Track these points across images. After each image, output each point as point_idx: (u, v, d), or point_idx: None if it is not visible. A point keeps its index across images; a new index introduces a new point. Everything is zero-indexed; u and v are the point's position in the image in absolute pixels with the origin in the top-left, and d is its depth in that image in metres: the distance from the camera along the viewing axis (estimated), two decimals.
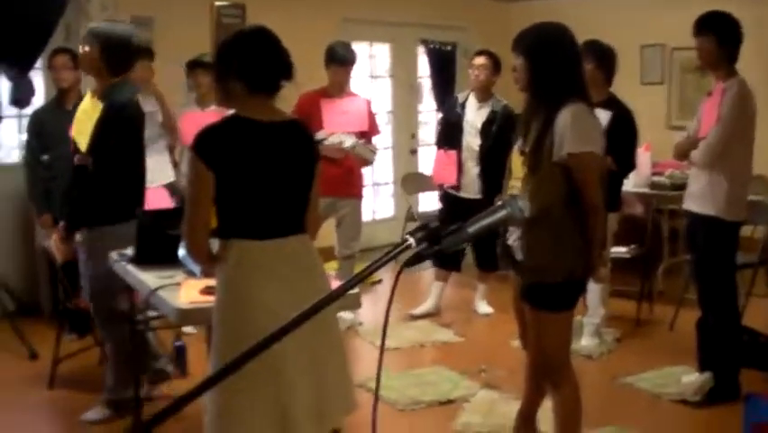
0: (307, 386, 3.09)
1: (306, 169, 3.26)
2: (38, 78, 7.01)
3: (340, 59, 6.43)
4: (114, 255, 4.35)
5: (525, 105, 3.89)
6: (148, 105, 6.35)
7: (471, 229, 1.89)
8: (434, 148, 7.11)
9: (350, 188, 6.53)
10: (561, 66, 3.72)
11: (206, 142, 3.06)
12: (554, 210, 3.62)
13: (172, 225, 3.92)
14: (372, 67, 9.83)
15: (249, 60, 3.10)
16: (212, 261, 3.18)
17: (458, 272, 7.02)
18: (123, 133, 4.67)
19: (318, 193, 3.38)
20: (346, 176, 6.44)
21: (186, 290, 3.58)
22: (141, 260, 4.09)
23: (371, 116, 6.60)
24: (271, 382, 3.01)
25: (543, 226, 3.63)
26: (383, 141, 9.80)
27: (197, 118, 6.46)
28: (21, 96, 6.58)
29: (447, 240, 1.86)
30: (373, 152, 6.59)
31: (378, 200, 9.94)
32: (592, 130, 3.70)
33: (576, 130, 3.60)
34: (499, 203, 1.99)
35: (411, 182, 8.98)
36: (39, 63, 6.84)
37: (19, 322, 6.10)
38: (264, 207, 3.15)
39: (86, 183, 4.61)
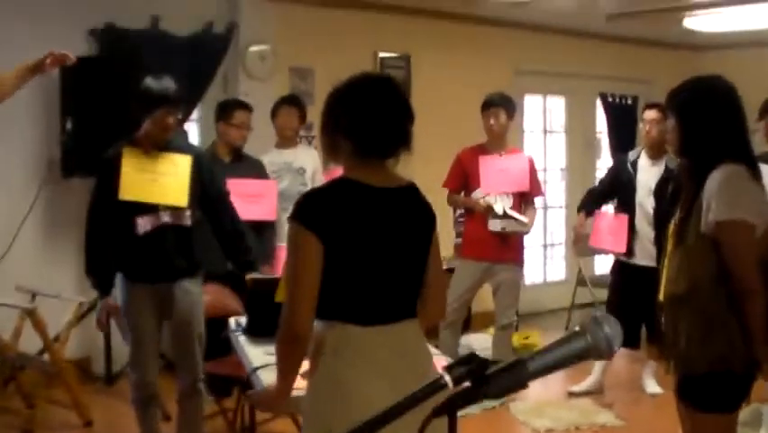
0: None
1: (423, 243, 2.77)
2: (192, 128, 6.89)
3: (485, 104, 6.00)
4: (232, 324, 4.08)
5: (679, 169, 3.33)
6: (307, 159, 6.15)
7: (534, 367, 1.40)
8: (609, 209, 6.48)
9: (507, 252, 6.01)
10: (713, 124, 3.16)
11: (312, 209, 2.61)
12: (702, 290, 3.04)
13: None
14: (547, 121, 9.32)
15: (360, 120, 2.65)
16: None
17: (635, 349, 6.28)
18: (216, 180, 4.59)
19: (439, 270, 2.87)
20: (503, 239, 5.94)
21: None
22: (253, 331, 3.74)
23: (533, 175, 6.08)
24: None
25: (690, 308, 3.07)
26: (556, 199, 9.29)
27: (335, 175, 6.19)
28: None
29: (498, 381, 1.36)
30: (524, 223, 6.01)
31: (549, 262, 9.37)
32: (745, 194, 3.09)
33: (725, 194, 3.03)
34: (577, 328, 1.48)
35: (583, 244, 8.35)
36: (194, 114, 6.75)
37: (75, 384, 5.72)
38: (373, 287, 2.65)
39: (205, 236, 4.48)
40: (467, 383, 1.38)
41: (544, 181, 9.16)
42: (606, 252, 6.30)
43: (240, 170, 5.56)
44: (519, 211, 5.98)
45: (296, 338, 2.61)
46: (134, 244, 4.29)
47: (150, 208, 4.29)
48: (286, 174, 5.96)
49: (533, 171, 6.06)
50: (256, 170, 5.74)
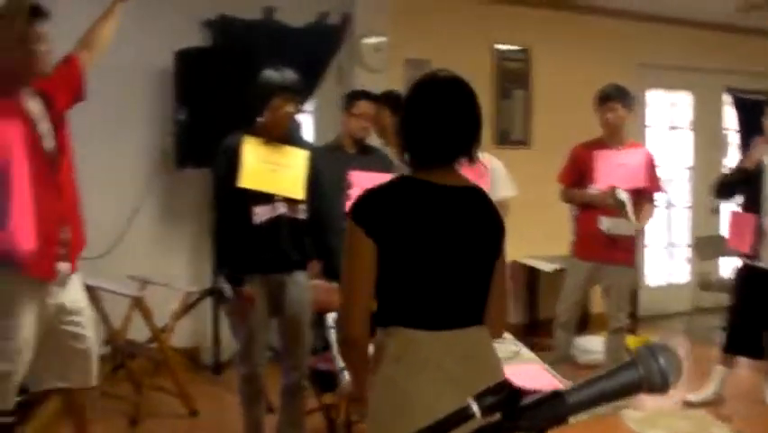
0: None
1: (491, 248, 2.60)
2: (306, 120, 6.84)
3: (601, 98, 5.75)
4: (329, 320, 4.08)
5: None
6: None
7: (574, 400, 1.23)
8: (736, 208, 6.14)
9: (617, 252, 5.74)
10: None
11: (368, 206, 2.48)
12: None
13: None
14: (672, 117, 8.96)
15: (414, 131, 2.52)
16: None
17: (758, 359, 5.95)
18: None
19: (504, 278, 2.67)
20: (614, 239, 5.68)
21: None
22: None
23: (651, 170, 5.77)
24: None
25: None
26: (681, 199, 8.95)
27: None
28: None
29: (533, 414, 1.20)
30: (633, 226, 5.64)
31: (672, 264, 9.02)
32: None
33: None
34: (629, 359, 1.31)
35: (707, 246, 8.02)
36: (308, 106, 6.71)
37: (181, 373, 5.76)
38: (437, 289, 2.49)
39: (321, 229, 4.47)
40: (498, 415, 1.22)
41: (668, 180, 8.85)
42: (731, 252, 5.96)
43: (364, 163, 5.41)
44: (637, 208, 5.71)
45: (351, 342, 2.52)
46: (250, 233, 4.27)
47: (267, 199, 4.27)
48: (397, 171, 5.82)
49: (651, 167, 5.76)
50: (382, 162, 5.54)
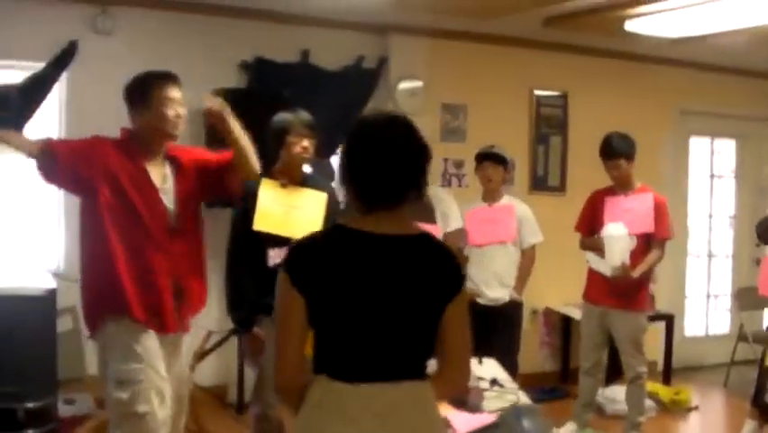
0: None
1: (432, 298, 2.44)
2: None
3: (605, 153, 5.72)
4: None
5: None
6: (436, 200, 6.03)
7: None
8: None
9: (621, 298, 5.66)
10: None
11: (296, 257, 2.44)
12: None
13: None
14: (714, 165, 8.84)
15: (355, 168, 2.43)
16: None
17: None
18: None
19: (460, 333, 2.50)
20: (616, 284, 5.63)
21: None
22: None
23: (660, 215, 5.69)
24: None
25: None
26: (722, 248, 8.81)
27: (481, 215, 6.04)
28: None
29: None
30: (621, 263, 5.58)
31: (711, 314, 8.86)
32: None
33: None
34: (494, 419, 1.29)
35: (748, 296, 7.84)
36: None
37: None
38: (360, 341, 2.41)
39: None
40: None
41: (709, 228, 8.74)
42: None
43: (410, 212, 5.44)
44: (644, 253, 5.67)
45: (279, 389, 2.51)
46: (263, 276, 4.25)
47: (283, 242, 4.24)
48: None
49: (659, 211, 5.68)
50: (428, 212, 5.59)
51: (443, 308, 2.45)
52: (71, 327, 6.11)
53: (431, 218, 5.58)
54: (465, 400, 3.41)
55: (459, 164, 7.19)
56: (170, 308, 3.66)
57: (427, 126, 6.74)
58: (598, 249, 5.71)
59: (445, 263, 2.49)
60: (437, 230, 5.32)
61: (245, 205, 4.30)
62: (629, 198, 5.70)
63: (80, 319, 6.10)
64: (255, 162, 3.85)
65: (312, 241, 2.49)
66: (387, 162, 2.40)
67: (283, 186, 4.36)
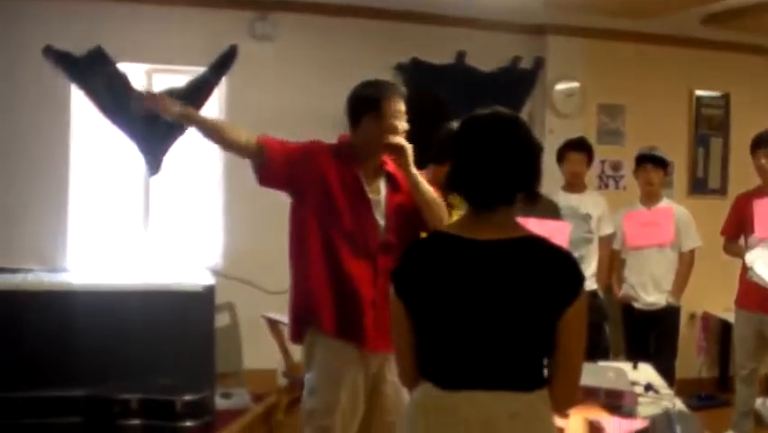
0: None
1: (541, 302, 2.31)
2: None
3: (755, 143, 5.57)
4: None
5: None
6: (594, 205, 5.97)
7: None
8: None
9: None
10: None
11: (400, 268, 2.47)
12: None
13: None
14: None
15: (463, 171, 2.39)
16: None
17: None
18: None
19: (570, 350, 2.37)
20: None
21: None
22: None
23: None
24: None
25: None
26: None
27: (640, 217, 5.95)
28: None
29: None
30: None
31: None
32: None
33: None
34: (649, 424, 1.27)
35: None
36: None
37: None
38: (461, 349, 2.37)
39: None
40: None
41: None
42: None
43: (532, 210, 5.41)
44: None
45: (399, 373, 2.60)
46: None
47: None
48: (571, 220, 5.58)
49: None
50: (549, 210, 5.53)
51: (555, 316, 2.31)
52: (229, 323, 6.34)
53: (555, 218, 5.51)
54: (620, 405, 3.39)
55: (616, 166, 7.10)
56: (369, 322, 3.54)
57: (584, 128, 6.74)
58: (740, 257, 5.55)
59: (558, 268, 2.34)
60: (564, 229, 5.28)
61: None
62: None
63: (238, 315, 6.38)
64: (440, 215, 3.62)
65: (413, 250, 2.50)
66: (491, 161, 2.34)
67: None
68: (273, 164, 3.54)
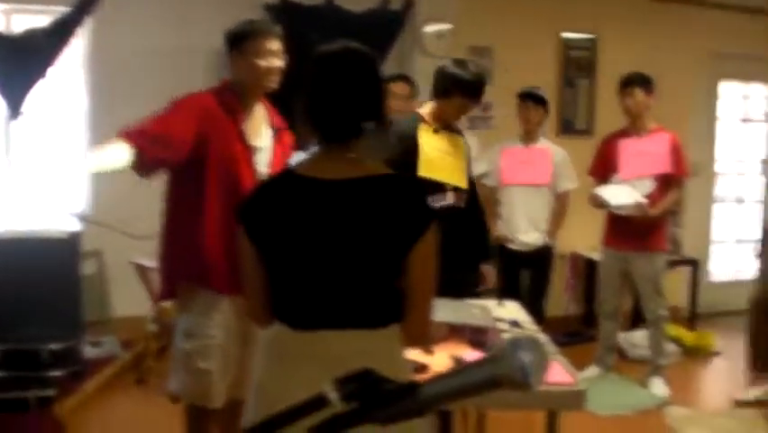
0: None
1: (388, 242, 2.31)
2: None
3: (622, 83, 5.75)
4: None
5: None
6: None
7: (428, 393, 1.23)
8: None
9: (641, 240, 5.72)
10: None
11: (246, 205, 2.44)
12: None
13: None
14: (746, 109, 8.73)
15: (312, 104, 2.36)
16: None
17: None
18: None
19: (419, 281, 2.36)
20: (637, 227, 5.66)
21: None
22: None
23: (676, 155, 5.68)
24: None
25: None
26: (752, 193, 8.73)
27: (518, 155, 6.04)
28: None
29: (390, 405, 1.21)
30: (640, 207, 5.59)
31: (740, 259, 8.82)
32: None
33: None
34: (494, 351, 1.30)
35: None
36: None
37: None
38: (312, 289, 2.36)
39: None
40: (354, 403, 1.23)
41: (739, 173, 8.66)
42: None
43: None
44: (662, 194, 5.67)
45: (248, 312, 2.59)
46: None
47: (437, 188, 4.23)
48: None
49: (675, 151, 5.67)
50: None
51: (405, 252, 2.31)
52: (96, 270, 6.21)
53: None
54: (484, 341, 3.45)
55: (486, 107, 7.15)
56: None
57: None
58: (600, 205, 5.77)
59: (407, 203, 2.35)
60: None
61: (402, 151, 4.14)
62: (644, 140, 5.69)
63: (106, 262, 6.25)
64: None
65: (262, 190, 2.46)
66: (342, 93, 2.34)
67: (435, 132, 4.29)
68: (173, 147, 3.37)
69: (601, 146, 5.95)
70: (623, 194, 5.62)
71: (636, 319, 7.00)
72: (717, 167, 8.57)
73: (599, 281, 6.12)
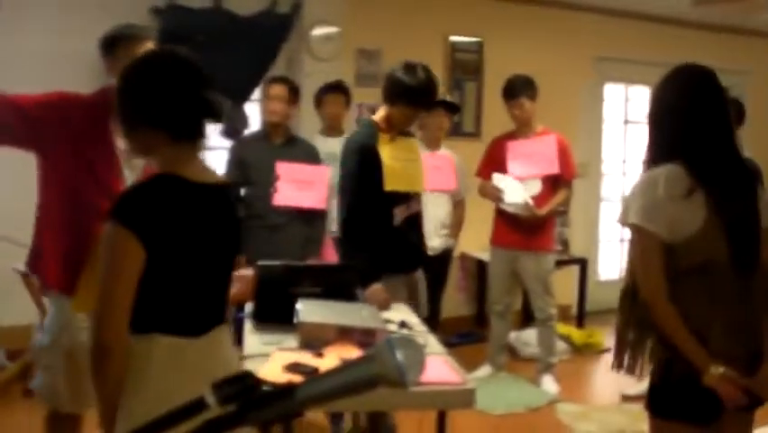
0: None
1: (233, 248, 2.59)
2: (254, 109, 6.75)
3: (507, 93, 5.88)
4: (246, 308, 3.91)
5: None
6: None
7: (304, 395, 1.21)
8: None
9: (530, 240, 5.83)
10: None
11: (135, 207, 2.28)
12: None
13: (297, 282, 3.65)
14: (627, 111, 8.95)
15: (166, 99, 2.34)
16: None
17: None
18: None
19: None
20: (526, 226, 5.79)
21: (270, 364, 3.03)
22: (260, 317, 3.61)
23: (564, 156, 5.77)
24: None
25: None
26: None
27: (426, 161, 5.94)
28: (234, 128, 6.30)
29: (267, 406, 1.19)
30: (529, 208, 5.71)
31: (625, 258, 9.01)
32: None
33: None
34: (370, 351, 1.29)
35: None
36: (256, 95, 6.64)
37: None
38: (198, 295, 2.41)
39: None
40: (231, 406, 1.20)
41: (623, 173, 8.87)
42: None
43: (291, 154, 5.34)
44: (550, 195, 5.79)
45: (106, 352, 2.26)
46: (390, 235, 4.18)
47: (402, 198, 4.19)
48: (331, 164, 5.37)
49: (563, 153, 5.77)
50: (308, 154, 5.42)
51: (237, 253, 2.63)
52: None
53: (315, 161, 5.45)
54: (372, 342, 3.42)
55: (374, 110, 7.13)
56: None
57: (343, 72, 6.73)
58: (494, 197, 5.83)
59: (235, 210, 2.62)
60: (325, 173, 5.29)
61: (362, 166, 4.07)
62: (531, 141, 5.76)
63: None
64: None
65: (145, 189, 2.36)
66: (188, 90, 2.36)
67: (392, 140, 4.17)
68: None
69: (489, 148, 6.03)
70: (515, 192, 5.69)
71: (527, 318, 7.09)
72: (603, 167, 8.75)
73: (489, 281, 6.17)
